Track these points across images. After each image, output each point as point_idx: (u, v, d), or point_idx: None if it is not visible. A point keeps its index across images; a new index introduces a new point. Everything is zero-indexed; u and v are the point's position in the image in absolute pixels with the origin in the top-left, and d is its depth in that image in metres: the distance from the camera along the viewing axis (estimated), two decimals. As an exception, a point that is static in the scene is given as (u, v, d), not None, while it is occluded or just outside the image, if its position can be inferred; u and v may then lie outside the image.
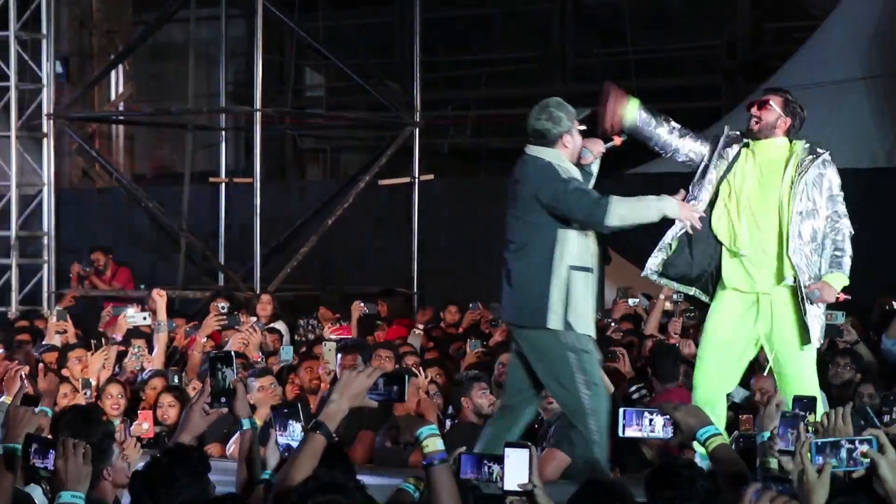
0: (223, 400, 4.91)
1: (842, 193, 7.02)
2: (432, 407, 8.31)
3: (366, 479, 4.57)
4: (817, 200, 6.93)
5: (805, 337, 6.89)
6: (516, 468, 4.20)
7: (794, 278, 6.86)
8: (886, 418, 6.08)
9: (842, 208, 7.01)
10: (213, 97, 18.96)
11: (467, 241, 16.23)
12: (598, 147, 6.92)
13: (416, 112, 16.35)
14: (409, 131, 16.28)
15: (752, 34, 19.09)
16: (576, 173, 6.78)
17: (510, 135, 20.72)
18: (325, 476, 4.06)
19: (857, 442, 3.92)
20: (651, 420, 4.50)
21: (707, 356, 6.98)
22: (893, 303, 10.66)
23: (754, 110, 6.95)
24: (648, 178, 14.65)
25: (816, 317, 6.92)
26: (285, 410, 4.87)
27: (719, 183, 6.94)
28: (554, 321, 6.61)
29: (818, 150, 7.02)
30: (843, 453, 3.90)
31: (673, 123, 7.04)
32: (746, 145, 7.00)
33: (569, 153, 6.79)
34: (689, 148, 7.05)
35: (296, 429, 4.68)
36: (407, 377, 4.73)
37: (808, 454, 3.90)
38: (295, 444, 4.62)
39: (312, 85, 22.87)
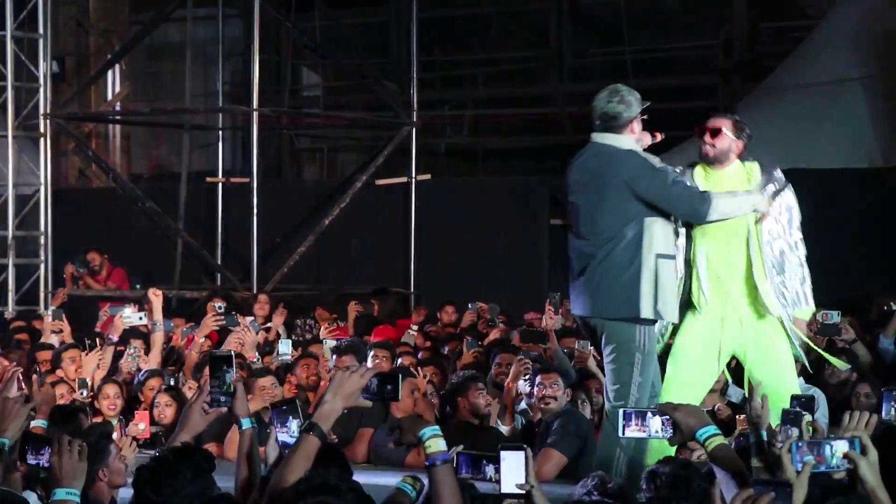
0: (223, 399, 4.92)
1: (798, 215, 7.02)
2: (429, 407, 8.33)
3: (365, 479, 4.59)
4: (777, 222, 6.94)
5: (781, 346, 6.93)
6: (513, 470, 4.20)
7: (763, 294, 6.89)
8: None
9: (798, 232, 7.02)
10: (209, 97, 18.95)
11: (464, 241, 16.24)
12: (647, 139, 6.90)
13: (412, 112, 16.36)
14: (405, 131, 16.28)
15: (748, 34, 19.09)
16: (656, 161, 6.75)
17: (507, 134, 20.76)
18: (317, 477, 4.06)
19: (839, 443, 3.93)
20: (651, 420, 4.51)
21: (676, 373, 6.97)
22: (892, 303, 10.66)
23: (707, 138, 6.93)
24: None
25: (791, 329, 6.95)
26: (284, 408, 4.87)
27: None
28: (646, 310, 6.56)
29: (774, 172, 7.00)
30: (826, 454, 3.92)
31: None
32: (701, 167, 7.00)
33: (634, 140, 6.74)
34: None
35: (294, 426, 4.68)
36: (400, 376, 4.73)
37: (789, 455, 3.93)
38: (292, 441, 4.62)
39: (309, 84, 22.86)
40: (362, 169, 16.42)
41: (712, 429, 4.38)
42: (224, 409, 4.96)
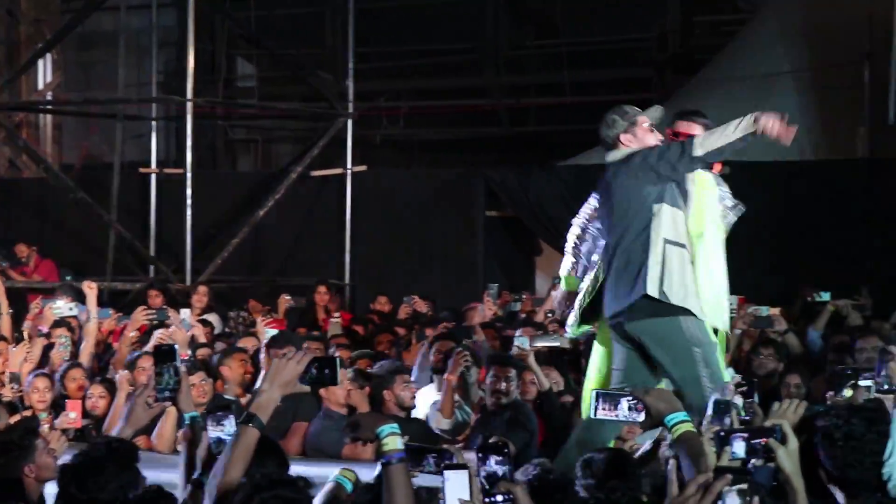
0: (167, 394, 4.90)
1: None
2: (363, 397, 8.31)
3: (300, 471, 4.57)
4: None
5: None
6: (456, 489, 4.17)
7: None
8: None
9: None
10: (143, 87, 18.79)
11: (400, 233, 16.23)
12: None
13: (348, 103, 16.33)
14: (341, 122, 16.24)
15: (682, 27, 19.23)
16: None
17: (443, 126, 20.75)
18: (274, 473, 4.05)
19: (760, 431, 3.98)
20: (620, 403, 4.54)
21: (597, 373, 7.03)
22: (816, 295, 10.80)
23: None
24: (582, 170, 14.73)
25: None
26: (218, 405, 4.83)
27: None
28: (651, 288, 6.56)
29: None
30: (743, 445, 3.97)
31: None
32: None
33: (626, 152, 6.83)
34: None
35: (229, 423, 4.64)
36: (339, 360, 4.71)
37: (711, 442, 3.97)
38: (227, 439, 4.58)
39: (244, 75, 22.71)
40: (298, 160, 16.36)
41: (682, 415, 4.41)
42: (168, 404, 4.94)
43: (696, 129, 7.03)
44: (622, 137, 6.82)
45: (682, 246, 6.69)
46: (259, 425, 4.38)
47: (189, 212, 14.61)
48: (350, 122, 16.28)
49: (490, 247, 15.75)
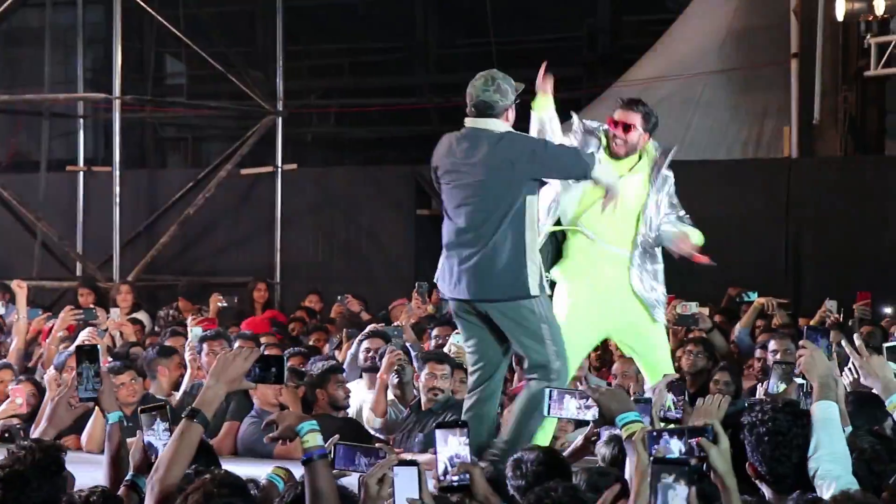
0: (90, 394, 4.85)
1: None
2: (295, 397, 8.29)
3: (233, 470, 4.54)
4: (661, 201, 7.05)
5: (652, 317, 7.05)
6: (406, 486, 4.17)
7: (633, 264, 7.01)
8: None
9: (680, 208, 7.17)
10: (70, 84, 18.59)
11: (330, 231, 16.21)
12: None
13: (278, 101, 16.27)
14: (271, 120, 16.19)
15: (611, 27, 19.36)
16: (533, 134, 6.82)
17: (374, 124, 20.74)
18: (229, 476, 4.03)
19: (693, 431, 4.01)
20: (572, 402, 4.55)
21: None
22: (743, 294, 10.92)
23: (619, 132, 6.98)
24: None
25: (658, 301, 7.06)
26: (152, 407, 4.77)
27: None
28: (534, 288, 6.56)
29: (666, 149, 7.12)
30: (677, 443, 4.00)
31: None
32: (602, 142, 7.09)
33: (507, 127, 6.69)
34: None
35: (162, 428, 4.58)
36: (284, 359, 4.68)
37: (643, 443, 4.00)
38: (159, 443, 4.52)
39: (173, 73, 22.57)
40: (227, 158, 16.28)
41: (633, 415, 4.43)
42: (91, 404, 4.89)
43: (633, 118, 7.01)
44: (509, 112, 6.70)
45: (539, 233, 6.74)
46: (203, 421, 4.35)
47: (117, 210, 14.49)
48: (280, 120, 16.22)
49: (421, 245, 15.76)
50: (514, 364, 8.50)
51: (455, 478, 4.11)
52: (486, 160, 6.58)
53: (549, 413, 4.60)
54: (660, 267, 7.11)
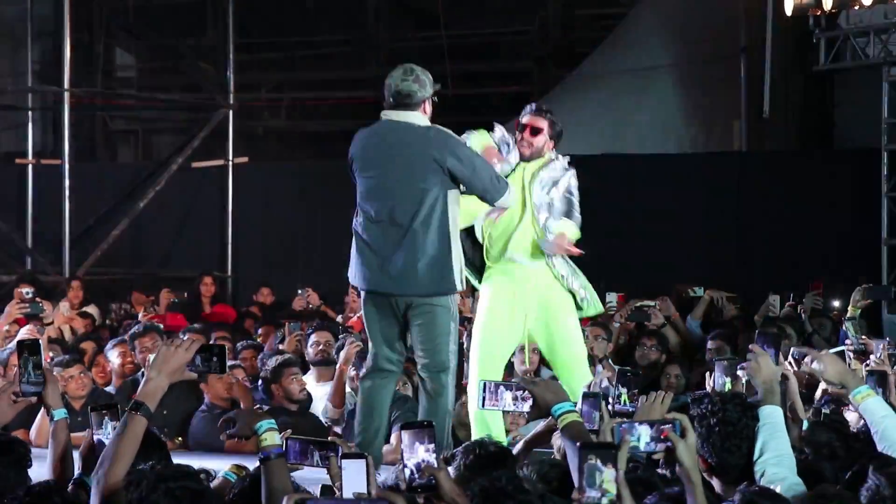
0: (32, 389, 4.80)
1: (577, 195, 7.20)
2: (246, 392, 8.27)
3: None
4: (553, 197, 7.13)
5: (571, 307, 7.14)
6: (354, 479, 4.16)
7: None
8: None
9: (576, 206, 7.20)
10: (19, 77, 18.44)
11: (282, 224, 16.17)
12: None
13: (229, 94, 16.21)
14: (222, 113, 16.13)
15: (563, 20, 19.40)
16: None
17: (325, 118, 20.68)
18: (176, 466, 4.01)
19: (660, 425, 4.04)
20: (506, 394, 4.55)
21: (483, 348, 7.12)
22: (691, 290, 10.99)
23: (527, 135, 7.13)
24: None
25: (579, 287, 7.13)
26: (102, 411, 4.71)
27: None
28: (459, 285, 6.62)
29: (560, 158, 7.22)
30: (646, 435, 4.03)
31: None
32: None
33: (426, 120, 6.70)
34: None
35: (111, 427, 4.54)
36: (226, 348, 4.67)
37: (612, 433, 4.02)
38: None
39: (123, 65, 22.41)
40: (178, 151, 16.21)
41: (568, 405, 4.44)
42: (34, 399, 4.84)
43: (541, 123, 7.13)
44: (426, 104, 6.72)
45: (462, 229, 6.81)
46: (147, 413, 4.31)
47: (67, 203, 14.40)
48: (231, 113, 16.16)
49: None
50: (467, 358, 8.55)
51: (423, 480, 4.12)
52: (410, 153, 6.59)
53: (483, 406, 4.62)
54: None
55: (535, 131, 7.12)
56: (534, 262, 7.10)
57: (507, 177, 6.94)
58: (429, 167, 6.54)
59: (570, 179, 7.19)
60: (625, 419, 4.25)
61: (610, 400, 5.26)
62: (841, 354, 6.55)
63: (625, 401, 5.37)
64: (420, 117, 6.67)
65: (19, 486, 4.42)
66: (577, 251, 7.09)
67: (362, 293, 6.84)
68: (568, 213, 7.13)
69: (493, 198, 6.70)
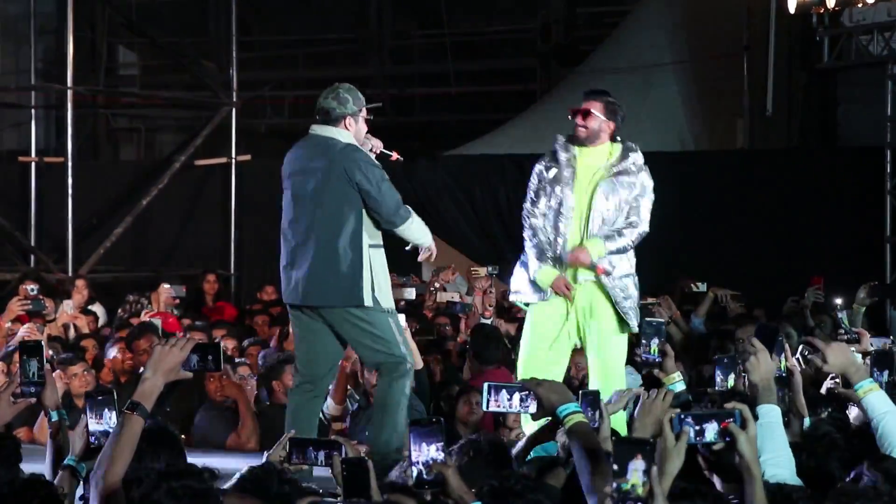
0: (32, 389, 4.81)
1: (652, 196, 7.20)
2: (238, 389, 8.29)
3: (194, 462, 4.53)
4: (622, 203, 7.14)
5: (621, 326, 7.14)
6: (355, 481, 4.15)
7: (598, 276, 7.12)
8: None
9: (645, 213, 7.20)
10: (22, 74, 18.45)
11: (285, 222, 16.14)
12: (377, 144, 7.08)
13: (232, 92, 16.21)
14: (225, 111, 16.13)
15: (565, 18, 19.40)
16: (372, 157, 6.95)
17: (328, 115, 20.69)
18: (180, 463, 4.01)
19: (721, 416, 3.93)
20: (511, 395, 4.56)
21: (532, 351, 7.14)
22: (693, 285, 10.98)
23: (579, 119, 7.17)
24: (467, 160, 14.81)
25: (631, 308, 7.16)
26: (100, 397, 4.74)
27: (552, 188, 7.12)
28: (367, 299, 6.70)
29: (631, 151, 7.17)
30: (706, 426, 3.93)
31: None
32: (572, 150, 7.19)
33: (350, 137, 6.85)
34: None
35: (111, 416, 4.55)
36: (221, 346, 4.68)
37: (670, 424, 3.89)
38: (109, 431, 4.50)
39: (126, 63, 22.44)
40: (181, 149, 16.22)
41: (573, 406, 4.41)
42: (33, 400, 4.85)
43: (593, 106, 7.15)
44: (348, 119, 6.86)
45: (381, 246, 6.87)
46: (143, 413, 4.30)
47: (70, 201, 14.41)
48: (234, 111, 16.17)
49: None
50: (469, 356, 8.57)
51: (430, 476, 4.12)
52: (327, 167, 6.77)
53: (487, 407, 4.62)
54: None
55: (587, 114, 7.14)
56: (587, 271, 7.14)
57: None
58: (341, 180, 6.72)
59: (644, 181, 7.24)
60: (684, 412, 4.12)
61: (639, 350, 5.27)
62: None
63: (653, 350, 5.38)
64: (341, 133, 6.85)
65: (9, 480, 4.43)
66: (599, 269, 7.13)
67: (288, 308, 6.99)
68: (627, 222, 7.17)
69: (394, 223, 6.80)
